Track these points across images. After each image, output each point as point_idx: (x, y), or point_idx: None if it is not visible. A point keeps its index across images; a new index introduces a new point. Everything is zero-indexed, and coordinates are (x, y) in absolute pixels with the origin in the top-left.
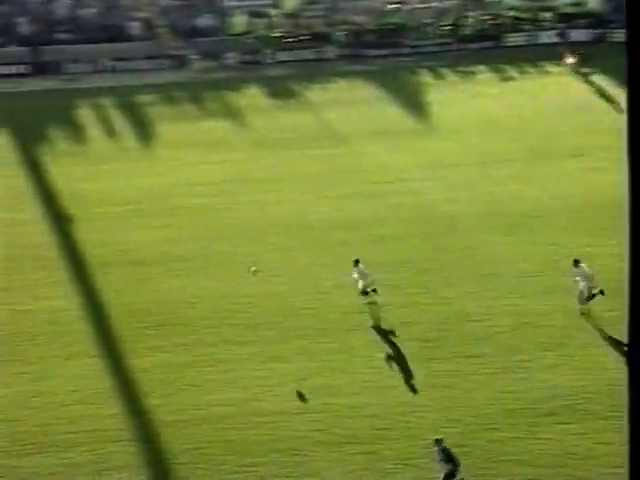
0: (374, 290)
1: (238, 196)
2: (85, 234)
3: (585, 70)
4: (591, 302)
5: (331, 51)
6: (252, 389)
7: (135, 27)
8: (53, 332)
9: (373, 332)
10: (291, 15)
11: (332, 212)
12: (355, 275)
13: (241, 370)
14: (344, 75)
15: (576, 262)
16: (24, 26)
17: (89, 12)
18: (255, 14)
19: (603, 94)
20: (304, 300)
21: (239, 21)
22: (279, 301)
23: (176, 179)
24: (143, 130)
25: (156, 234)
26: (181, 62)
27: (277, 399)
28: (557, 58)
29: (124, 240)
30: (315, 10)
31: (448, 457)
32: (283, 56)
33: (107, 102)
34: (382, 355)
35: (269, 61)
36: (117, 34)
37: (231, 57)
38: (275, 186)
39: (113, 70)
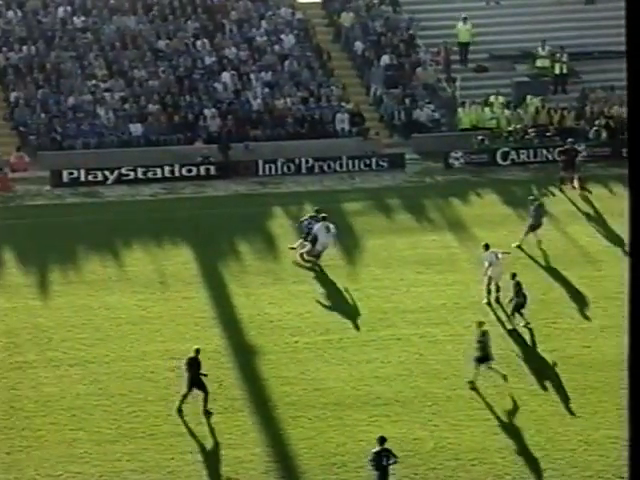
0: None
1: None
2: (273, 369)
3: None
4: None
5: (583, 150)
6: None
7: (341, 120)
8: None
9: None
10: (533, 105)
11: None
12: None
13: None
14: (599, 180)
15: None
16: (211, 119)
17: (286, 102)
18: (488, 104)
19: None
20: None
21: (468, 112)
22: None
23: (393, 303)
24: (349, 244)
25: (358, 370)
26: (397, 162)
27: None
28: None
29: (318, 377)
30: (562, 100)
31: None
32: (521, 155)
33: (306, 209)
34: None
35: (503, 162)
36: (320, 128)
37: (457, 156)
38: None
39: (315, 171)
